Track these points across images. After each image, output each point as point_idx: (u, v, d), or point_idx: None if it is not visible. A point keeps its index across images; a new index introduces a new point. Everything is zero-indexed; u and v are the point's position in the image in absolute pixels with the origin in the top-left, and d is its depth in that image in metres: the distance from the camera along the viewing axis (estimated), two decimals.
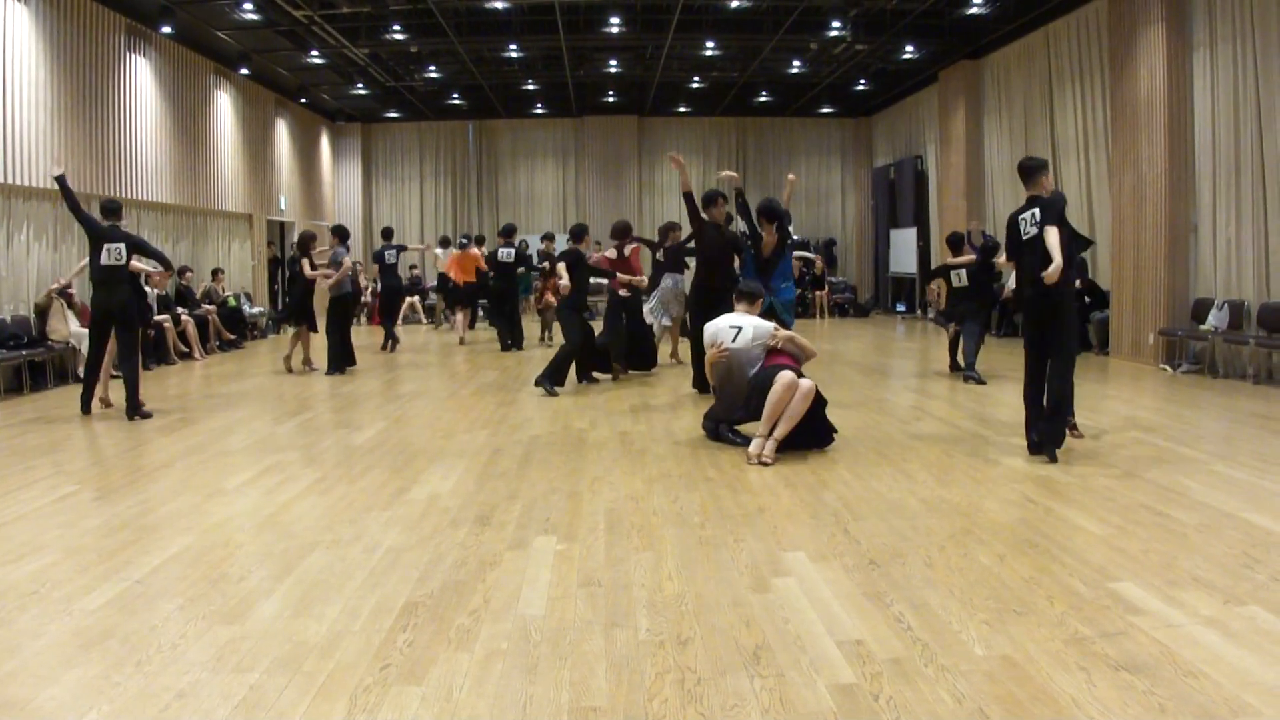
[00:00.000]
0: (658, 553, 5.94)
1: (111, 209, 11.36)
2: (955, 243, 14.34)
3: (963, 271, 13.87)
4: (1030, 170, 8.61)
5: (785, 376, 8.58)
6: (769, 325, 9.31)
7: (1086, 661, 4.27)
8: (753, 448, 8.55)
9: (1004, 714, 3.81)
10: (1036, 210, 8.36)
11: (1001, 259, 9.62)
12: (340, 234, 16.27)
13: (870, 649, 4.44)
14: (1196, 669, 4.18)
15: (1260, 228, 13.55)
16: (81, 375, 12.57)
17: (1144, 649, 4.39)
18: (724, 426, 9.44)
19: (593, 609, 4.99)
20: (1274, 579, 5.30)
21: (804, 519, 6.70)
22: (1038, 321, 8.46)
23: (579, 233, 13.72)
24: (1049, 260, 8.07)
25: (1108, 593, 5.12)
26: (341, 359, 15.28)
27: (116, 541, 6.27)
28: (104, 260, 11.02)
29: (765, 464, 8.36)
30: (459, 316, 21.29)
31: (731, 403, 9.23)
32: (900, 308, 27.77)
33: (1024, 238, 8.45)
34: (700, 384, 12.20)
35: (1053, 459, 8.28)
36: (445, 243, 24.35)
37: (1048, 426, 8.44)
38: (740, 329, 9.21)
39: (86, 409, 11.32)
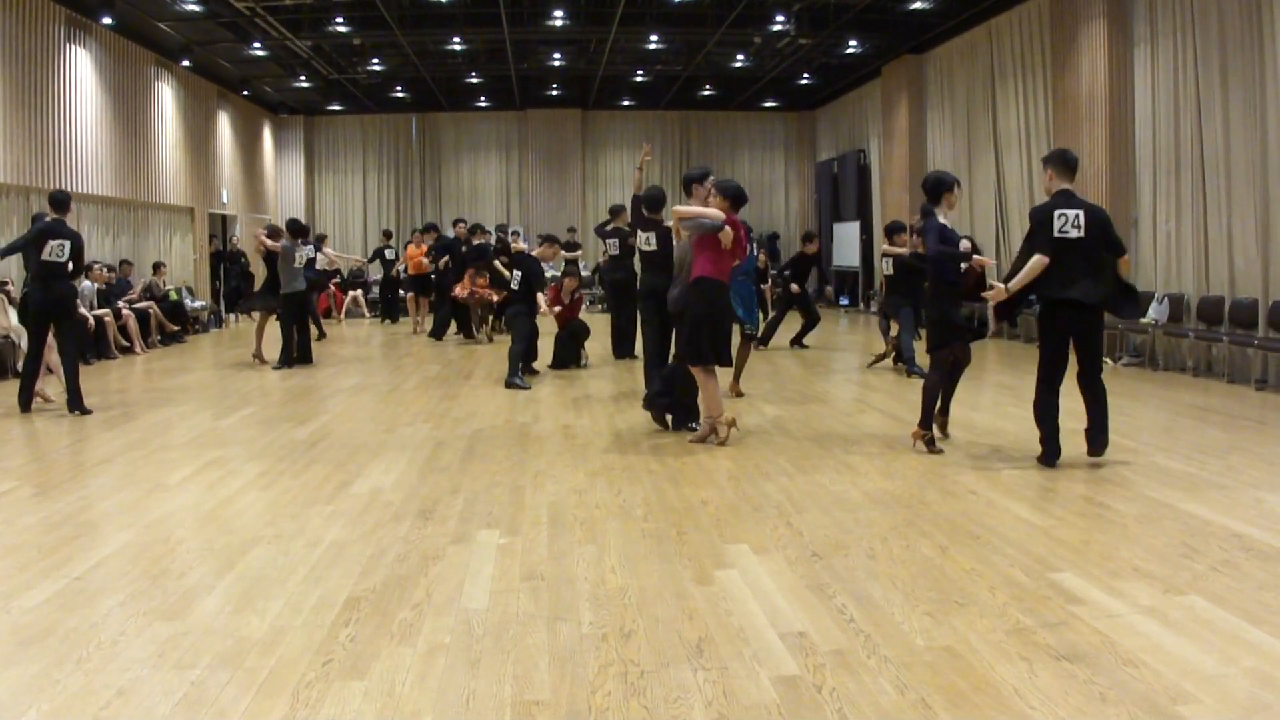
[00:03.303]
0: (600, 546, 5.94)
1: (59, 201, 11.06)
2: (893, 230, 14.17)
3: (890, 261, 13.85)
4: (1075, 165, 8.07)
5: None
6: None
7: (1028, 651, 4.30)
8: None
9: (946, 704, 3.84)
10: (1082, 214, 7.69)
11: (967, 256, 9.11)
12: (281, 230, 15.85)
13: (813, 641, 4.46)
14: (1136, 658, 4.22)
15: (1199, 222, 13.73)
16: (20, 370, 12.52)
17: (1085, 639, 4.43)
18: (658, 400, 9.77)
19: (535, 603, 4.98)
20: (1212, 569, 5.37)
21: (746, 511, 6.72)
22: (1066, 332, 7.83)
23: (548, 239, 14.18)
24: (1099, 271, 7.68)
25: (1049, 583, 5.16)
26: (291, 354, 15.08)
27: (56, 538, 6.19)
28: (45, 256, 10.70)
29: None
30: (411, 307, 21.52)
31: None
32: (843, 301, 27.87)
33: (1056, 233, 7.71)
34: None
35: (1100, 452, 7.94)
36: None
37: (1099, 437, 7.91)
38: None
39: (26, 407, 11.06)
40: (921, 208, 9.61)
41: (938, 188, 8.80)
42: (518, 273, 13.51)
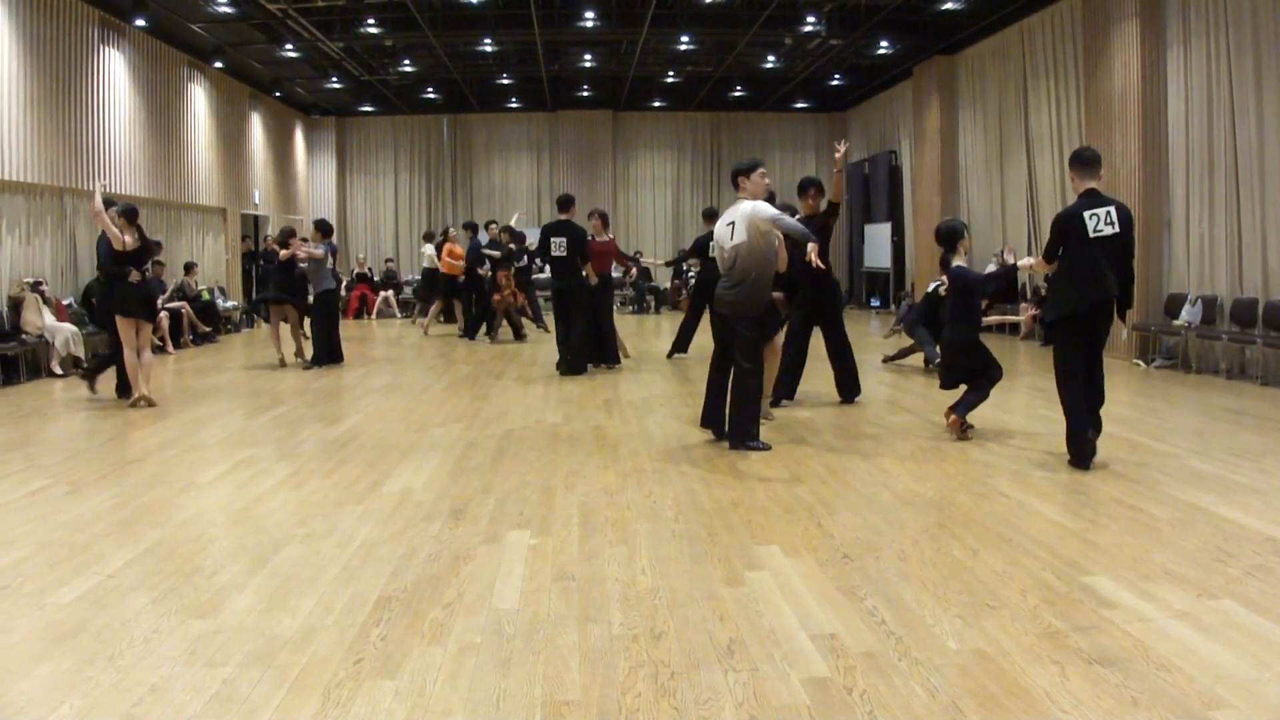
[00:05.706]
0: (631, 547, 5.93)
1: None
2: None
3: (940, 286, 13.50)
4: (1093, 161, 7.95)
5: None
6: (747, 206, 8.60)
7: (1059, 655, 4.28)
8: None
9: (977, 707, 3.82)
10: (1113, 210, 7.74)
11: (1029, 262, 9.19)
12: (324, 229, 15.87)
13: (844, 643, 4.45)
14: (1169, 662, 4.19)
15: (1233, 223, 13.62)
16: (56, 370, 14.02)
17: (1117, 643, 4.41)
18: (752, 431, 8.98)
19: (566, 603, 4.98)
20: (1246, 573, 5.33)
21: (777, 513, 6.70)
22: (1094, 328, 7.86)
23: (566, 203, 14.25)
24: (1125, 266, 7.83)
25: (1080, 586, 5.14)
26: (327, 353, 15.16)
27: (89, 536, 6.23)
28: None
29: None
30: (432, 307, 21.42)
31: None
32: (874, 303, 27.80)
33: (1092, 235, 7.71)
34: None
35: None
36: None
37: (1094, 430, 8.03)
38: (733, 224, 8.66)
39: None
40: (941, 258, 9.69)
41: (951, 237, 9.39)
42: (560, 239, 13.52)
